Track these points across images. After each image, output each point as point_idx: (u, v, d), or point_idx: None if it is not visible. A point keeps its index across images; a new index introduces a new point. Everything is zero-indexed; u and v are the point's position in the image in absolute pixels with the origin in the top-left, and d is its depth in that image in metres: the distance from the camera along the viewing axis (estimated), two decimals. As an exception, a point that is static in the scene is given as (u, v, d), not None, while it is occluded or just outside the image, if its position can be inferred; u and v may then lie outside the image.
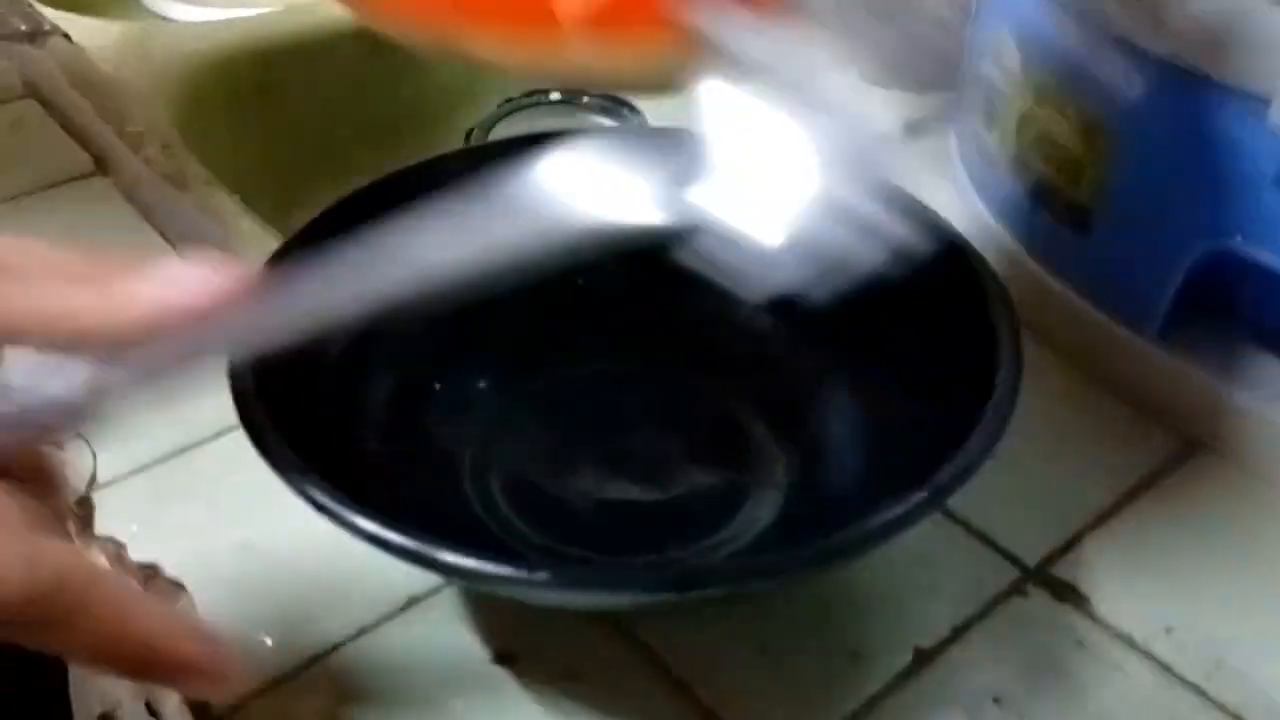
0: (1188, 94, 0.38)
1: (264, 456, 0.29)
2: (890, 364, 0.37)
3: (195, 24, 0.79)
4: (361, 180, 0.39)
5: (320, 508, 0.28)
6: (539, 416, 0.40)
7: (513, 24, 0.26)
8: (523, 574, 0.26)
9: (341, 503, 0.28)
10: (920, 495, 0.29)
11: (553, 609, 0.35)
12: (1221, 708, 0.33)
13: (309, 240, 0.36)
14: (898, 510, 0.28)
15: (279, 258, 0.35)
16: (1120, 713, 0.33)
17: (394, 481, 0.35)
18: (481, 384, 0.40)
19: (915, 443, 0.34)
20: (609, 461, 0.39)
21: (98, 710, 0.41)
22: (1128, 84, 0.40)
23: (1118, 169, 0.42)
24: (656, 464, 0.39)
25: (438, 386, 0.40)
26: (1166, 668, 0.35)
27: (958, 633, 0.35)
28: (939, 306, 0.35)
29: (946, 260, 0.35)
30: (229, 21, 0.77)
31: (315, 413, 0.33)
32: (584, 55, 0.25)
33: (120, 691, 0.39)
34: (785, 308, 0.37)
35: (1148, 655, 0.35)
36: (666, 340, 0.41)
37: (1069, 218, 0.44)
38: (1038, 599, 0.37)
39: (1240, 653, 0.35)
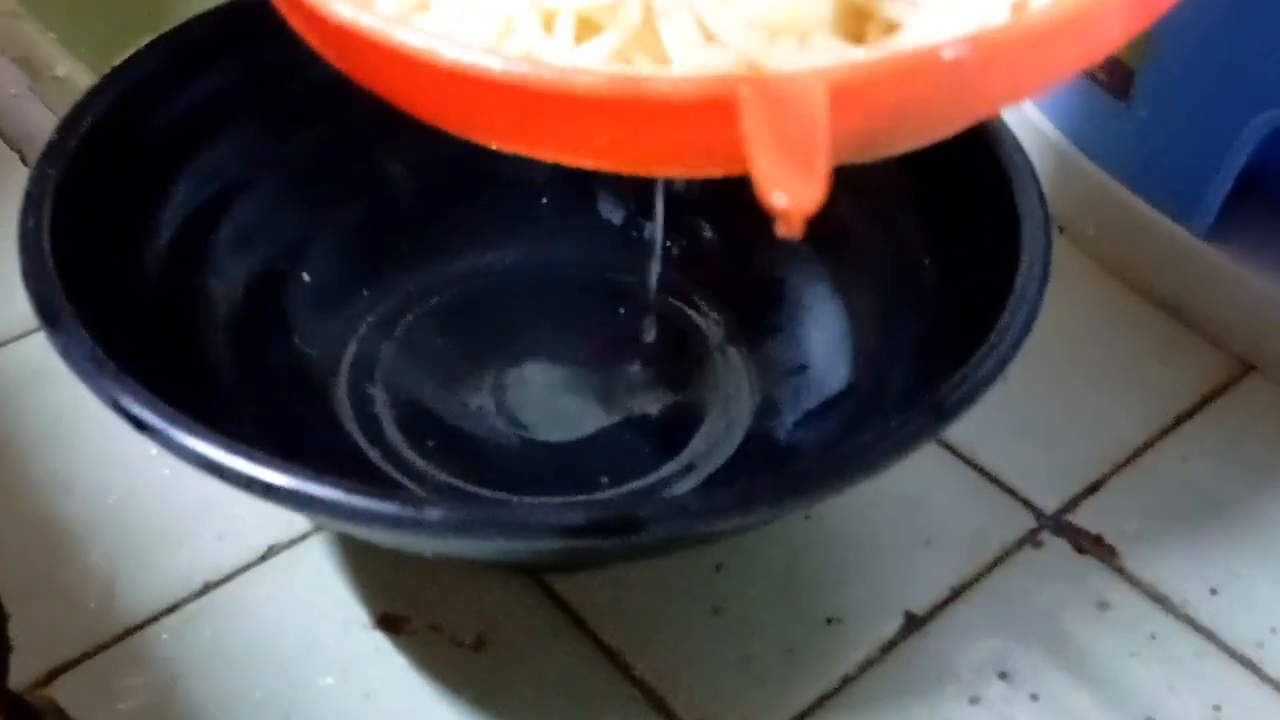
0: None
1: (67, 361, 0.27)
2: (882, 256, 0.35)
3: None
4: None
5: (142, 425, 0.26)
6: (437, 319, 0.39)
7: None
8: (409, 513, 0.24)
9: (170, 420, 0.26)
10: (915, 418, 0.27)
11: (449, 562, 0.33)
12: (1276, 684, 0.33)
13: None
14: (885, 437, 0.27)
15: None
16: (1153, 690, 0.33)
17: (245, 397, 0.33)
18: (363, 274, 0.38)
19: (910, 354, 0.32)
20: (525, 380, 0.38)
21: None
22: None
23: (1167, 23, 0.40)
24: (585, 380, 0.38)
25: (306, 278, 0.37)
26: (1210, 635, 0.34)
27: (957, 593, 0.35)
28: (946, 182, 0.33)
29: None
30: None
31: (139, 310, 0.31)
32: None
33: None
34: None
35: (1187, 621, 0.35)
36: (598, 223, 0.40)
37: (1108, 81, 0.43)
38: (1055, 552, 0.36)
39: (1299, 619, 0.35)
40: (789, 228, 0.20)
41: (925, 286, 0.34)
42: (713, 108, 0.21)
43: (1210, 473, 0.38)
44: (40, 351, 0.39)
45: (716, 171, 0.22)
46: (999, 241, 0.31)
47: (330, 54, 0.27)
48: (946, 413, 0.27)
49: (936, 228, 0.34)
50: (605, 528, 0.24)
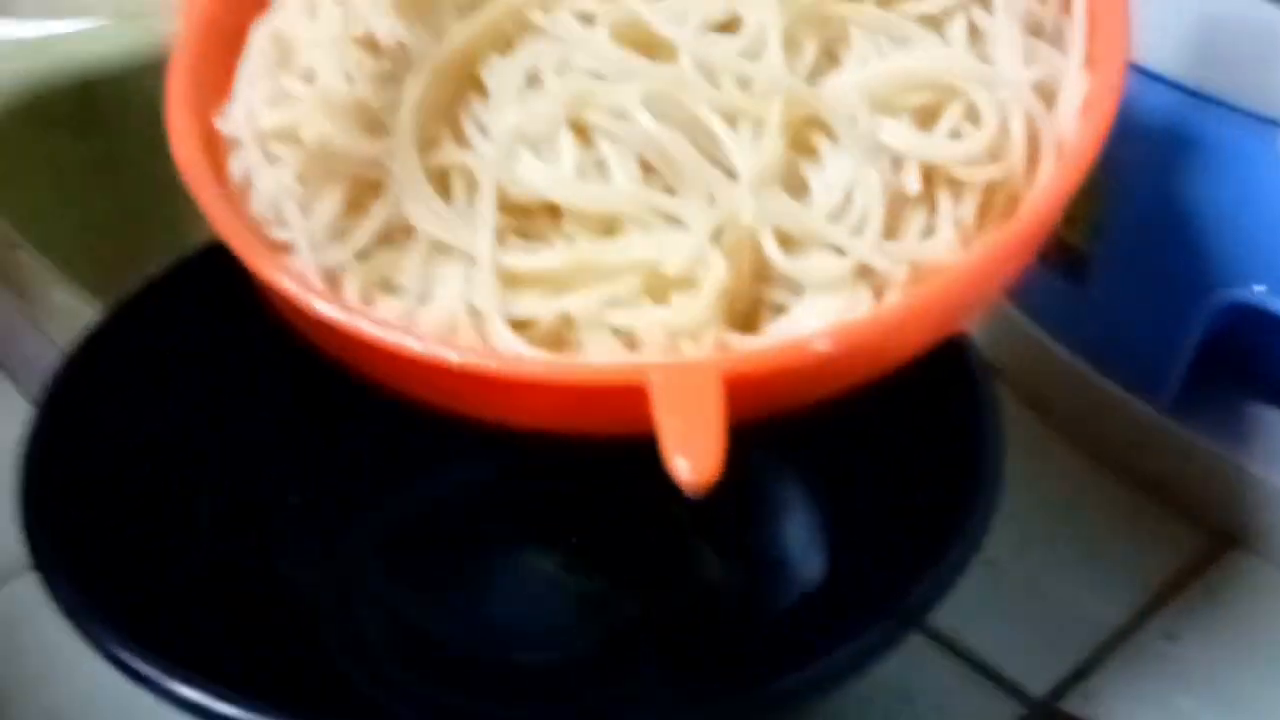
0: (1196, 118, 0.39)
1: (63, 611, 0.28)
2: (851, 460, 0.37)
3: (7, 43, 0.78)
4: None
5: (133, 674, 0.27)
6: (417, 534, 0.40)
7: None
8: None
9: (156, 665, 0.27)
10: (885, 624, 0.28)
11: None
12: None
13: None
14: (858, 644, 0.28)
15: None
16: None
17: (229, 629, 0.33)
18: (340, 494, 0.39)
19: (883, 553, 0.33)
20: (514, 591, 0.39)
21: None
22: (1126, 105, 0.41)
23: (1116, 207, 0.43)
24: (569, 587, 0.39)
25: (291, 498, 0.39)
26: (1204, 824, 0.34)
27: (948, 789, 0.35)
28: (909, 390, 0.35)
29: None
30: (41, 41, 0.76)
31: (123, 547, 0.32)
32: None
33: None
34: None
35: (1181, 808, 0.35)
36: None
37: (1063, 265, 0.45)
38: (1046, 741, 0.36)
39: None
40: (693, 492, 0.24)
41: (894, 482, 0.35)
42: (629, 390, 0.25)
43: (1196, 650, 0.39)
44: (33, 591, 0.40)
45: (635, 433, 0.25)
46: (960, 435, 0.33)
47: (309, 337, 0.30)
48: (916, 612, 0.29)
49: (903, 426, 0.36)
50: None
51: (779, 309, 0.29)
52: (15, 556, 0.41)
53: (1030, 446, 0.32)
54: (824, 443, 0.37)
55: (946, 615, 0.39)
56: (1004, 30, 0.31)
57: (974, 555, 0.30)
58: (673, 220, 0.29)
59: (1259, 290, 0.39)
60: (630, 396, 0.25)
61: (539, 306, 0.29)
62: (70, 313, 0.53)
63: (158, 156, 0.87)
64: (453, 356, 0.27)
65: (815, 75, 0.30)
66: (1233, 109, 0.38)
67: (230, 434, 0.37)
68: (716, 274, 0.28)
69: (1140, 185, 0.42)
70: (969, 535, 0.30)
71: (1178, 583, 0.41)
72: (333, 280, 0.31)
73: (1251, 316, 0.39)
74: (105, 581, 0.29)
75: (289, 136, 0.32)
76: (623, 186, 0.29)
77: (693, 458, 0.24)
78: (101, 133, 0.76)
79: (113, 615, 0.28)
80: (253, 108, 0.33)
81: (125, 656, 0.27)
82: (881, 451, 0.36)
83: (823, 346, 0.27)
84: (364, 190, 0.31)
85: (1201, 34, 0.38)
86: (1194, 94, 0.39)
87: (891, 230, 0.29)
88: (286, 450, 0.39)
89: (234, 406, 0.38)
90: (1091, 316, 0.45)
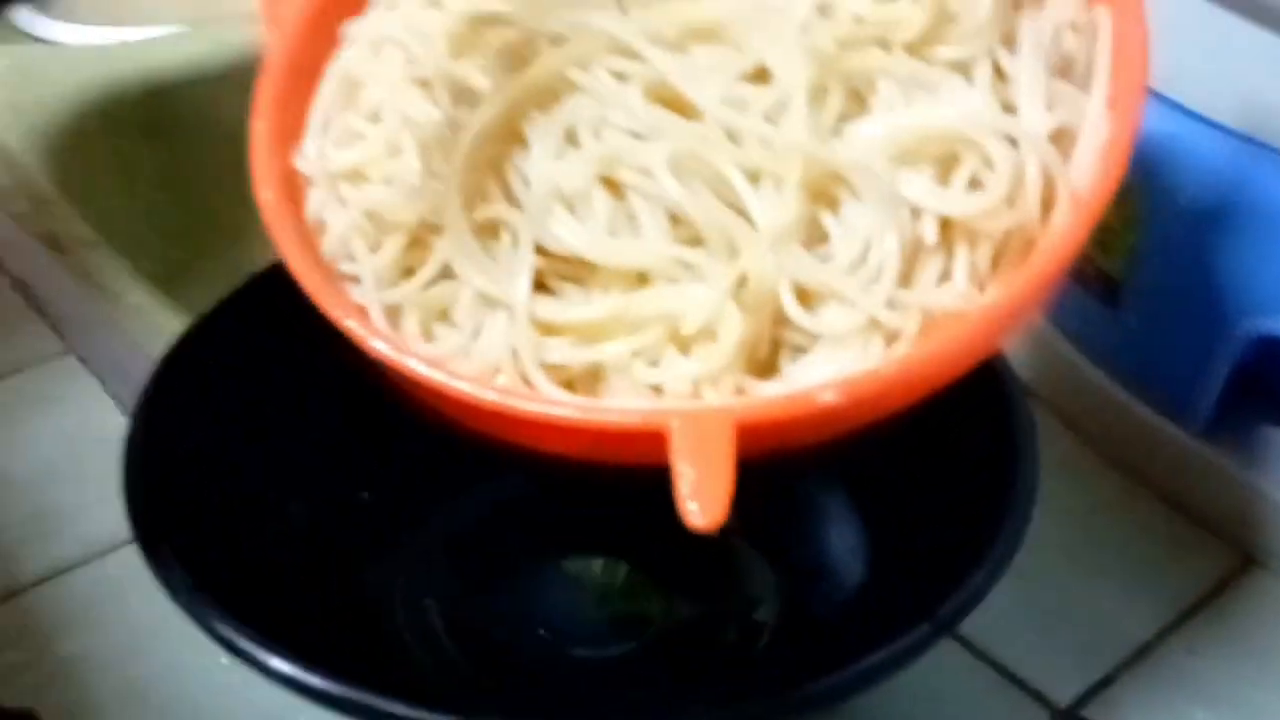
0: (1227, 154, 0.40)
1: (167, 590, 0.30)
2: (893, 473, 0.38)
3: (73, 50, 0.81)
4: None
5: (231, 647, 0.29)
6: (476, 537, 0.42)
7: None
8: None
9: (253, 639, 0.29)
10: (919, 630, 0.30)
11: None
12: None
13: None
14: (893, 648, 0.30)
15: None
16: None
17: (313, 617, 0.36)
18: (407, 496, 0.42)
19: (920, 563, 0.35)
20: (567, 588, 0.41)
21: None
22: (1164, 142, 0.42)
23: (1150, 235, 0.44)
24: (625, 595, 0.41)
25: (365, 496, 0.41)
26: (1220, 829, 0.36)
27: (975, 790, 0.37)
28: (948, 408, 0.37)
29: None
30: (115, 48, 0.79)
31: (216, 533, 0.34)
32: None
33: None
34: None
35: (1199, 814, 0.36)
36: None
37: (1099, 290, 0.46)
38: (1070, 747, 0.38)
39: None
40: (702, 530, 0.27)
41: (932, 499, 0.37)
42: (651, 433, 0.28)
43: (1214, 664, 0.40)
44: (119, 570, 0.43)
45: (655, 463, 0.28)
46: (996, 455, 0.35)
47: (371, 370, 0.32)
48: (949, 621, 0.31)
49: (942, 446, 0.37)
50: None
51: (797, 349, 0.31)
52: (105, 536, 0.44)
53: (1064, 464, 0.34)
54: (865, 459, 0.38)
55: (977, 624, 0.40)
56: (1027, 75, 0.32)
57: (1006, 568, 0.32)
58: (697, 273, 0.31)
59: (1288, 322, 0.41)
60: (652, 439, 0.28)
61: (571, 354, 0.31)
62: (146, 312, 0.55)
63: (222, 160, 0.89)
64: (491, 397, 0.30)
65: (843, 121, 0.31)
66: (1269, 149, 0.39)
67: (309, 436, 0.40)
68: (734, 326, 0.30)
69: (1176, 218, 0.43)
70: (1002, 548, 0.32)
71: (1200, 599, 0.42)
72: (395, 313, 0.33)
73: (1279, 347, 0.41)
74: (205, 563, 0.31)
75: (356, 176, 0.35)
76: (650, 243, 0.31)
77: (703, 503, 0.27)
78: (169, 136, 0.78)
79: (213, 593, 0.30)
80: (323, 149, 0.36)
81: (225, 631, 0.29)
82: (921, 467, 0.38)
83: (830, 398, 0.29)
84: (426, 229, 0.33)
85: (1241, 79, 0.40)
86: (1233, 134, 0.40)
87: (907, 277, 0.30)
88: (360, 453, 0.41)
89: (312, 410, 0.40)
90: (1126, 342, 0.46)
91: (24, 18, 0.90)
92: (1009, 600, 0.33)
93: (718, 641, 0.39)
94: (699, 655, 0.39)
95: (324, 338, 0.35)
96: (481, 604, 0.40)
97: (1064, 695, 0.39)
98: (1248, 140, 0.40)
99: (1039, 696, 0.39)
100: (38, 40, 0.88)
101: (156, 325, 0.54)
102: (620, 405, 0.30)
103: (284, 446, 0.39)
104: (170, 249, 0.67)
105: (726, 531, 0.41)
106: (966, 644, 0.41)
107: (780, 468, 0.30)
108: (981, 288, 0.31)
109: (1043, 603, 0.42)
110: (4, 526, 0.45)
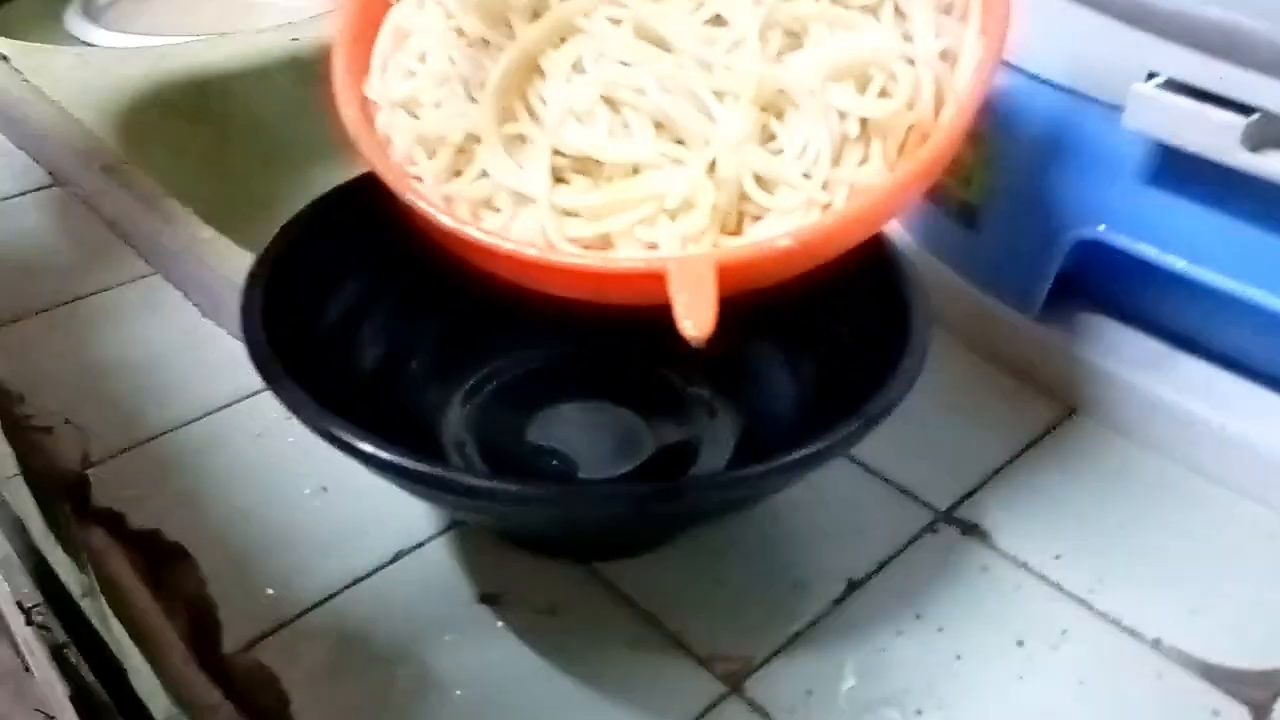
0: (1055, 104, 0.45)
1: (294, 411, 0.33)
2: (816, 334, 0.42)
3: (127, 50, 0.82)
4: (295, 199, 0.43)
5: (330, 437, 0.32)
6: (504, 401, 0.45)
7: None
8: (535, 491, 0.31)
9: (348, 430, 0.32)
10: (852, 422, 0.34)
11: (536, 540, 0.40)
12: (1103, 615, 0.40)
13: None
14: (838, 436, 0.34)
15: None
16: (1020, 621, 0.39)
17: (382, 423, 0.39)
18: (449, 360, 0.45)
19: (843, 392, 0.39)
20: (570, 429, 0.44)
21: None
22: (1008, 97, 0.47)
23: (999, 172, 0.49)
24: (620, 430, 0.44)
25: (413, 364, 0.44)
26: (1056, 585, 0.41)
27: (882, 565, 0.41)
28: (858, 279, 0.40)
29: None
30: (161, 49, 0.80)
31: (316, 373, 0.37)
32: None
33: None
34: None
35: (1041, 577, 0.41)
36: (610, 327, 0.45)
37: (960, 216, 0.51)
38: (948, 535, 0.43)
39: (1118, 574, 0.41)
40: (696, 342, 0.30)
41: (848, 354, 0.41)
42: (655, 275, 0.32)
43: (1050, 480, 0.45)
44: (218, 426, 0.45)
45: (655, 302, 0.31)
46: (895, 321, 0.39)
47: (435, 241, 0.36)
48: (870, 421, 0.35)
49: (856, 315, 0.41)
50: (664, 496, 0.31)
51: (756, 217, 0.35)
52: (201, 403, 0.46)
53: (935, 349, 0.38)
54: (797, 319, 0.43)
55: (877, 453, 0.45)
56: (919, 12, 0.36)
57: (911, 387, 0.36)
58: (678, 162, 0.35)
59: (1101, 230, 0.46)
60: (654, 279, 0.32)
61: (587, 229, 0.35)
62: (214, 242, 0.58)
63: (253, 144, 0.92)
64: (532, 253, 0.34)
65: (784, 53, 0.35)
66: (1083, 97, 0.44)
67: (385, 303, 0.43)
68: (707, 197, 0.34)
69: (1017, 156, 0.48)
70: (907, 373, 0.36)
71: (1037, 437, 0.47)
72: (449, 201, 0.37)
73: (1096, 249, 0.46)
74: (313, 387, 0.34)
75: (412, 103, 0.38)
76: (641, 142, 0.35)
77: (695, 320, 0.30)
78: (212, 121, 0.81)
79: (320, 402, 0.33)
80: (386, 81, 0.39)
81: (328, 425, 0.33)
82: (840, 322, 0.42)
83: (786, 244, 0.33)
84: (470, 139, 0.37)
85: (1064, 45, 0.44)
86: (1054, 86, 0.45)
87: (837, 161, 0.35)
88: (414, 324, 0.44)
89: (387, 288, 0.43)
90: (981, 253, 0.51)
91: (79, 26, 0.90)
92: (896, 432, 0.36)
93: (694, 462, 0.43)
94: (681, 470, 0.43)
95: (394, 230, 0.38)
96: (508, 442, 0.43)
97: (943, 502, 0.44)
98: (1069, 92, 0.45)
99: (926, 504, 0.44)
100: (88, 44, 0.89)
101: (220, 252, 0.57)
102: (630, 257, 0.34)
103: (367, 311, 0.42)
104: (211, 216, 0.69)
105: (698, 384, 0.45)
106: (862, 465, 0.45)
107: (738, 322, 0.33)
108: (890, 168, 0.35)
109: (925, 440, 0.46)
110: (127, 394, 0.47)
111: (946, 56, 0.36)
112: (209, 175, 0.77)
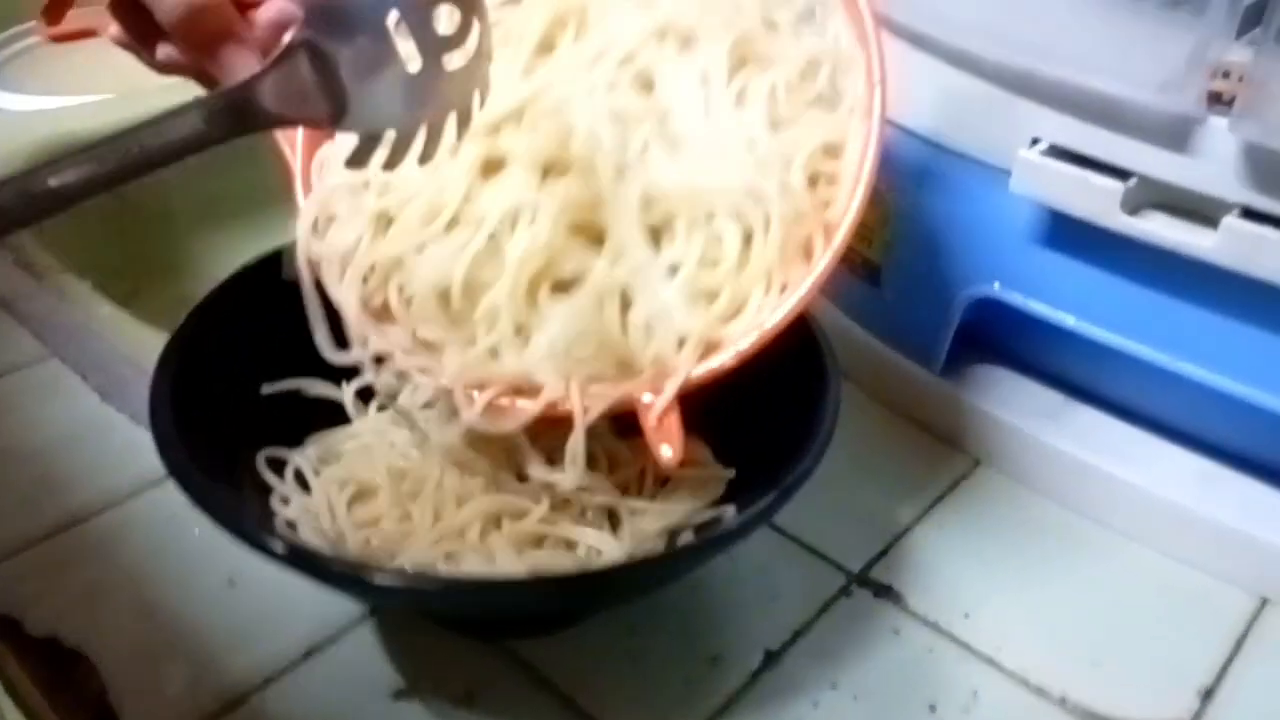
0: (948, 167, 0.46)
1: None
2: (745, 406, 0.42)
3: (25, 114, 0.79)
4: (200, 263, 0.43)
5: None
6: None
7: None
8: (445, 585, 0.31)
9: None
10: (763, 501, 0.34)
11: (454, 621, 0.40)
12: (1011, 675, 0.40)
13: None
14: (756, 505, 0.34)
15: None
16: (930, 686, 0.40)
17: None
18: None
19: (765, 466, 0.39)
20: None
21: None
22: (901, 160, 0.48)
23: (898, 231, 0.50)
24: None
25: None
26: (966, 645, 0.41)
27: (798, 634, 0.41)
28: (780, 361, 0.40)
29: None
30: (58, 111, 0.78)
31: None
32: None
33: None
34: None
35: (951, 637, 0.42)
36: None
37: (864, 273, 0.52)
38: (861, 598, 0.43)
39: (1023, 630, 0.42)
40: (669, 465, 0.35)
41: (767, 426, 0.41)
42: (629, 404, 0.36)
43: (959, 536, 0.46)
44: (123, 516, 0.44)
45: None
46: (810, 411, 0.39)
47: None
48: (791, 489, 0.35)
49: (774, 390, 0.41)
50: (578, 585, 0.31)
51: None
52: (103, 494, 0.45)
53: (848, 401, 0.38)
54: (727, 404, 0.43)
55: (788, 516, 0.45)
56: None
57: (823, 455, 0.36)
58: None
59: (996, 287, 0.47)
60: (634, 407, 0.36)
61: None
62: (114, 320, 0.56)
63: (159, 202, 0.89)
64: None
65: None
66: (974, 160, 0.45)
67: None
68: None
69: (914, 215, 0.49)
70: (819, 443, 0.36)
71: (944, 492, 0.48)
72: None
73: (992, 306, 0.47)
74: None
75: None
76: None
77: (672, 446, 0.36)
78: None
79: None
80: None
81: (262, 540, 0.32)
82: (764, 400, 0.41)
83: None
84: None
85: (949, 105, 0.45)
86: (946, 150, 0.46)
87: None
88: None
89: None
90: (885, 310, 0.52)
91: (-21, 90, 0.87)
92: (808, 492, 0.36)
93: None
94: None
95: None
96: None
97: (855, 564, 0.44)
98: (961, 155, 0.46)
99: (839, 566, 0.44)
100: (-4, 110, 0.86)
101: (120, 329, 0.55)
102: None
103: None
104: (115, 282, 0.67)
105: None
106: (781, 531, 0.45)
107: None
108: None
109: (836, 502, 0.46)
110: (23, 485, 0.45)
111: (829, 149, 0.37)
112: (109, 241, 0.75)
